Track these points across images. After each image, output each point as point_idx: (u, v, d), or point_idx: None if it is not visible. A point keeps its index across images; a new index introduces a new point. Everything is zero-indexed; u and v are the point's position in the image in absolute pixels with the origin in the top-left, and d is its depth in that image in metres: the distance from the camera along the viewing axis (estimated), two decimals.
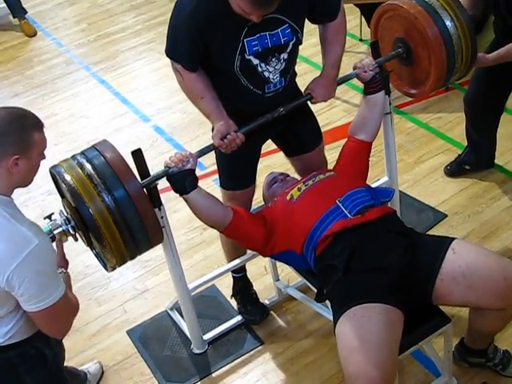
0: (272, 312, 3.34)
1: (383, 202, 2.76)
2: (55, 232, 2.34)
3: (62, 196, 2.44)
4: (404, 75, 3.07)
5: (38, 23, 6.60)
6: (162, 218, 2.69)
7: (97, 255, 2.50)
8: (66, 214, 2.39)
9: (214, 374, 3.12)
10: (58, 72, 5.78)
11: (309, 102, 2.94)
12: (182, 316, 3.24)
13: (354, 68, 2.91)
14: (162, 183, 2.61)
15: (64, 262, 2.38)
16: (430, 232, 3.56)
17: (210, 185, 4.14)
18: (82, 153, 2.42)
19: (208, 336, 3.24)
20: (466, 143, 3.89)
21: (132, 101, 5.20)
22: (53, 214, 2.40)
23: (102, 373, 3.20)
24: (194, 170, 2.60)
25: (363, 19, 5.24)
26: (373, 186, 2.92)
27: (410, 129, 4.36)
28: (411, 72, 3.01)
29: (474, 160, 3.86)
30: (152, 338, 3.32)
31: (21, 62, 6.05)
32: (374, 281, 2.43)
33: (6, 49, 6.31)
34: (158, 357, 3.22)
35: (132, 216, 2.31)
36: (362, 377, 2.19)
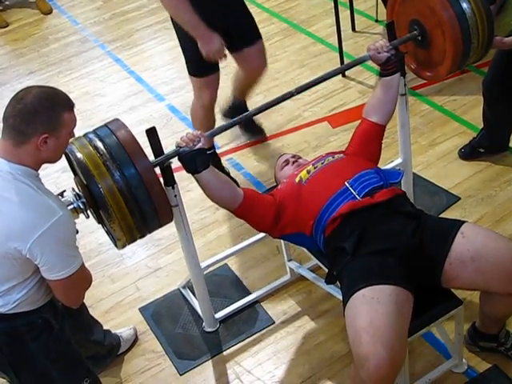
0: (284, 292, 3.36)
1: (392, 184, 2.75)
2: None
3: (75, 173, 2.46)
4: (419, 58, 3.05)
5: (53, 1, 6.60)
6: (175, 196, 2.70)
7: (107, 232, 2.52)
8: (77, 192, 2.41)
9: (225, 353, 3.14)
10: (73, 50, 5.78)
11: None
12: (194, 294, 3.26)
13: (368, 50, 2.88)
14: (176, 162, 2.62)
15: None
16: (443, 215, 3.56)
17: (225, 164, 4.15)
18: (94, 131, 2.43)
19: (220, 314, 3.26)
20: (480, 126, 3.87)
21: (146, 79, 5.21)
22: (64, 191, 2.43)
23: (135, 339, 3.25)
24: (206, 149, 2.59)
25: (379, 0, 5.21)
26: (386, 167, 2.92)
27: (424, 111, 4.34)
28: (427, 54, 2.99)
29: (489, 143, 3.84)
30: (164, 315, 3.35)
31: (36, 40, 6.05)
32: (383, 262, 2.44)
33: (22, 26, 6.32)
34: (169, 334, 3.25)
35: (141, 194, 2.33)
36: (371, 357, 2.19)
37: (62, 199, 2.36)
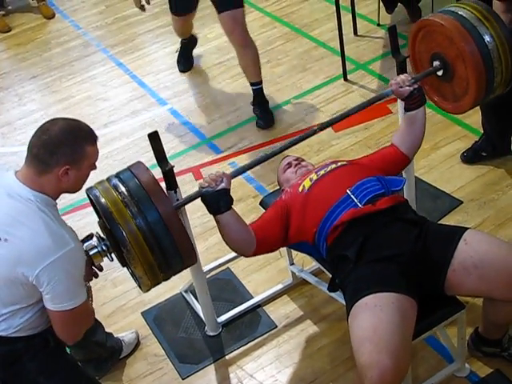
0: (286, 296, 3.36)
1: (394, 191, 2.73)
2: (91, 253, 2.39)
3: (99, 217, 2.46)
4: (442, 91, 2.98)
5: (56, 5, 6.60)
6: (177, 200, 2.70)
7: (132, 274, 2.51)
8: (100, 235, 2.42)
9: (227, 357, 3.14)
10: (76, 54, 5.79)
11: None
12: (196, 298, 3.26)
13: (390, 85, 2.80)
14: (178, 166, 2.62)
15: (88, 276, 2.44)
16: (445, 218, 3.56)
17: (226, 168, 4.15)
18: (117, 175, 2.41)
19: (222, 318, 3.26)
20: (482, 130, 3.87)
21: (149, 84, 5.21)
22: (89, 235, 2.44)
23: (137, 343, 3.25)
24: (229, 189, 2.55)
25: (381, 4, 5.21)
26: None
27: (427, 114, 4.32)
28: (449, 88, 2.92)
29: (491, 147, 3.85)
30: (166, 319, 3.35)
31: (39, 44, 6.06)
32: (386, 270, 2.43)
33: (25, 30, 6.32)
34: (172, 338, 3.25)
35: (164, 238, 2.31)
36: (374, 366, 2.18)
37: (86, 243, 2.39)
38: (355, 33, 5.22)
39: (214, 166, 4.23)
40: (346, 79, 4.78)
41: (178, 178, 2.71)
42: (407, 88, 2.76)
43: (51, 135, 2.18)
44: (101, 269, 2.52)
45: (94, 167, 2.30)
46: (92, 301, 2.51)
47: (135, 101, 5.04)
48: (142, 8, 4.56)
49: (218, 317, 3.25)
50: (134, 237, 2.26)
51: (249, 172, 4.10)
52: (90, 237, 2.43)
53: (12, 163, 4.58)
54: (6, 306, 2.22)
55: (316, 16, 5.56)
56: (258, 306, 3.33)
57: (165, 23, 5.78)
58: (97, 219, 2.51)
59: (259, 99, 4.47)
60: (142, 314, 3.40)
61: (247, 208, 3.80)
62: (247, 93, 4.61)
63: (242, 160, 4.25)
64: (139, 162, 2.47)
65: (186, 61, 5.20)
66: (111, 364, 3.14)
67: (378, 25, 5.30)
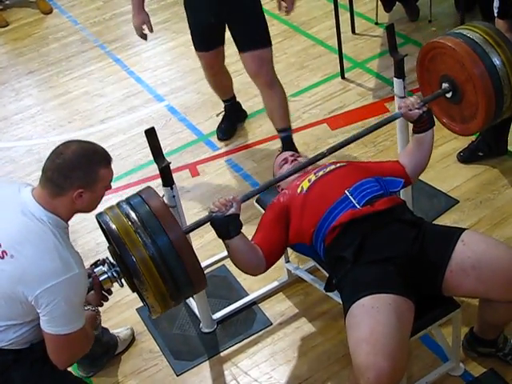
0: (281, 293, 3.36)
1: (392, 193, 2.73)
2: (101, 279, 2.39)
3: (110, 242, 2.46)
4: (451, 112, 2.97)
5: (53, 0, 6.59)
6: (173, 197, 2.70)
7: (142, 300, 2.50)
8: (111, 261, 2.42)
9: (222, 354, 3.14)
10: (73, 50, 5.78)
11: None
12: None
13: (400, 108, 2.79)
14: (175, 163, 2.62)
15: (98, 299, 2.48)
16: (441, 217, 3.56)
17: (223, 165, 4.16)
18: (127, 200, 2.40)
19: (217, 315, 3.27)
20: None
21: (146, 80, 5.21)
22: (99, 260, 2.44)
23: (133, 340, 3.25)
24: (238, 214, 2.53)
25: (379, 2, 5.21)
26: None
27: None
28: (458, 110, 2.91)
29: (487, 147, 3.85)
30: (161, 316, 3.33)
31: (36, 39, 6.05)
32: (383, 271, 2.43)
33: (22, 26, 6.32)
34: (167, 335, 3.25)
35: (174, 264, 2.29)
36: (371, 368, 2.18)
37: (96, 269, 2.39)
38: (353, 31, 5.22)
39: (211, 163, 4.23)
40: (343, 77, 4.79)
41: (174, 175, 2.71)
42: (416, 111, 2.74)
43: (65, 159, 2.20)
44: (110, 293, 2.53)
45: (108, 188, 2.33)
46: (100, 322, 2.50)
47: (132, 97, 5.04)
48: (144, 37, 3.85)
49: (213, 314, 3.25)
50: (145, 264, 2.24)
51: (245, 169, 4.14)
52: (99, 262, 2.42)
53: (7, 158, 4.58)
54: (2, 320, 2.23)
55: (314, 14, 5.56)
56: (254, 303, 3.33)
57: (162, 20, 5.78)
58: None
59: (289, 148, 3.76)
60: (137, 310, 3.39)
61: (243, 205, 3.76)
62: (244, 90, 4.61)
63: (239, 157, 4.25)
64: (149, 187, 2.46)
65: (227, 128, 4.45)
66: (106, 360, 3.14)
67: (376, 23, 5.30)
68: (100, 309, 3.38)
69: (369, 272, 2.45)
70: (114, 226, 2.30)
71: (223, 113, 4.43)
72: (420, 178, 3.78)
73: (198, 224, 2.53)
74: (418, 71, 3.01)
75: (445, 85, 2.87)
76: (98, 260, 2.44)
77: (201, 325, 3.25)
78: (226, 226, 2.50)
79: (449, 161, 3.94)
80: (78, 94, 5.08)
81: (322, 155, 2.74)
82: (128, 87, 5.16)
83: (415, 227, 2.57)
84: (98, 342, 3.05)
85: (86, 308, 2.39)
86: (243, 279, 3.45)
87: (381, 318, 2.27)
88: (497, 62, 2.68)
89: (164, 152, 2.66)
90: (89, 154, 2.24)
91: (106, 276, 2.39)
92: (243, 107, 4.54)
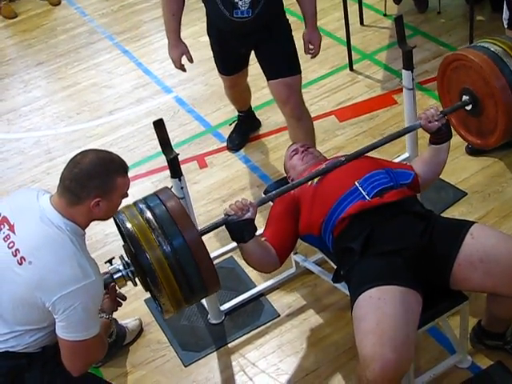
0: (289, 285, 3.36)
1: (403, 185, 2.72)
2: (115, 277, 2.40)
3: (124, 241, 2.47)
4: (470, 125, 2.97)
5: None
6: (182, 188, 2.70)
7: (154, 299, 2.51)
8: (126, 260, 2.43)
9: (229, 345, 3.15)
10: (82, 41, 5.79)
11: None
12: None
13: (419, 118, 2.81)
14: (183, 154, 2.62)
15: (112, 306, 2.50)
16: (449, 210, 3.56)
17: (231, 157, 4.16)
18: (144, 200, 2.40)
19: (225, 307, 3.27)
20: None
21: (154, 71, 5.21)
22: (113, 258, 2.45)
23: (141, 330, 3.27)
24: (254, 219, 2.53)
25: None
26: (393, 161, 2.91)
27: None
28: (478, 122, 2.91)
29: None
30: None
31: (45, 31, 6.06)
32: (391, 263, 2.43)
33: (31, 17, 6.33)
34: (174, 326, 3.26)
35: (189, 264, 2.29)
36: (377, 359, 2.19)
37: (111, 267, 2.41)
38: (361, 23, 5.21)
39: (219, 155, 4.24)
40: (351, 69, 4.78)
41: (182, 166, 2.71)
42: (436, 123, 2.76)
43: (82, 168, 2.21)
44: (124, 298, 2.56)
45: (125, 196, 2.34)
46: (115, 329, 2.51)
47: (140, 88, 5.04)
48: (183, 68, 3.73)
49: (220, 305, 3.26)
50: (160, 264, 2.25)
51: (253, 161, 4.14)
52: (111, 261, 2.45)
53: (16, 150, 4.59)
54: (19, 325, 2.26)
55: (322, 5, 5.53)
56: (261, 294, 3.34)
57: None
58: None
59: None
60: (146, 301, 3.41)
61: (252, 197, 3.79)
62: (252, 81, 4.59)
63: (247, 149, 4.25)
64: (166, 188, 2.47)
65: (238, 137, 4.33)
66: (114, 350, 3.15)
67: (385, 15, 5.29)
68: None
69: (377, 264, 2.45)
70: (130, 225, 2.31)
71: (236, 121, 4.35)
72: None
73: (214, 226, 2.54)
74: (439, 80, 3.00)
75: (465, 97, 2.86)
76: (113, 257, 2.46)
77: (209, 316, 3.26)
78: (240, 230, 2.51)
79: (457, 153, 3.93)
80: (86, 86, 5.08)
81: (341, 163, 2.74)
82: (136, 79, 5.17)
83: (424, 220, 2.56)
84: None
85: (100, 315, 2.40)
86: (251, 271, 3.45)
87: (387, 310, 2.28)
88: None
89: (172, 143, 2.67)
90: (106, 162, 2.25)
91: (120, 274, 2.40)
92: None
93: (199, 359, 3.11)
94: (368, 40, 5.05)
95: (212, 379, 3.04)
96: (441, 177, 3.74)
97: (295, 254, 3.34)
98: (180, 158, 2.67)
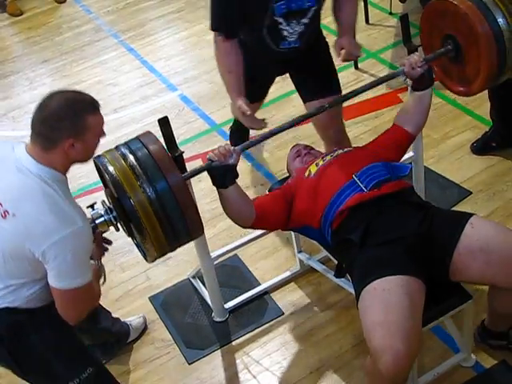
0: (293, 283, 3.37)
1: (400, 177, 2.73)
2: (97, 221, 2.36)
3: (106, 186, 2.45)
4: (452, 72, 2.97)
5: None
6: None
7: (137, 245, 2.50)
8: (108, 204, 2.40)
9: (233, 343, 3.15)
10: (87, 39, 5.80)
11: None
12: (203, 284, 3.27)
13: (403, 65, 2.81)
14: (188, 152, 2.62)
15: (99, 252, 2.47)
16: (454, 209, 3.54)
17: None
18: (126, 144, 2.39)
19: (229, 305, 3.28)
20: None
21: (159, 69, 5.21)
22: (95, 203, 2.41)
23: (145, 328, 3.27)
24: (236, 165, 2.54)
25: None
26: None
27: (437, 104, 4.32)
28: (460, 70, 2.90)
29: (500, 137, 3.83)
30: (174, 304, 3.36)
31: (50, 28, 6.07)
32: (392, 252, 2.44)
33: (36, 14, 6.34)
34: (179, 323, 3.27)
35: (172, 208, 2.28)
36: (387, 350, 2.20)
37: (93, 212, 2.37)
38: (367, 21, 5.20)
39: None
40: (356, 68, 4.77)
41: (187, 164, 2.71)
42: (418, 70, 2.77)
43: (50, 111, 2.15)
44: (110, 242, 2.52)
45: (102, 135, 2.27)
46: (105, 280, 2.50)
47: (145, 86, 5.05)
48: (264, 123, 3.10)
49: (225, 303, 3.27)
50: (142, 206, 2.24)
51: (257, 159, 4.13)
52: (92, 206, 2.40)
53: None
54: (13, 279, 2.22)
55: (327, 4, 5.52)
56: (265, 292, 3.34)
57: (176, 9, 5.77)
58: None
59: None
60: (150, 298, 3.41)
61: (256, 195, 3.79)
62: None
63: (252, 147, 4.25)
64: (149, 132, 2.44)
65: (242, 136, 4.03)
66: (118, 348, 3.16)
67: (390, 13, 5.28)
68: (112, 298, 3.44)
69: (377, 254, 2.46)
70: (112, 168, 2.29)
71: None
72: (433, 168, 3.80)
73: (196, 171, 2.55)
74: (422, 26, 3.01)
75: (448, 44, 2.87)
76: (95, 202, 2.41)
77: (213, 314, 3.26)
78: (222, 175, 2.52)
79: (462, 152, 3.93)
80: (91, 83, 5.07)
81: (324, 108, 2.78)
82: (141, 77, 5.17)
83: (422, 210, 2.58)
84: (109, 333, 3.08)
85: None
86: (255, 269, 3.46)
87: (393, 301, 2.29)
88: (500, 19, 2.67)
89: (177, 141, 2.67)
90: (74, 102, 2.18)
91: (102, 219, 2.36)
92: None
93: (203, 357, 3.12)
94: (373, 39, 5.05)
95: (216, 377, 3.04)
96: (445, 175, 3.76)
97: (299, 252, 3.34)
98: (185, 155, 2.68)
